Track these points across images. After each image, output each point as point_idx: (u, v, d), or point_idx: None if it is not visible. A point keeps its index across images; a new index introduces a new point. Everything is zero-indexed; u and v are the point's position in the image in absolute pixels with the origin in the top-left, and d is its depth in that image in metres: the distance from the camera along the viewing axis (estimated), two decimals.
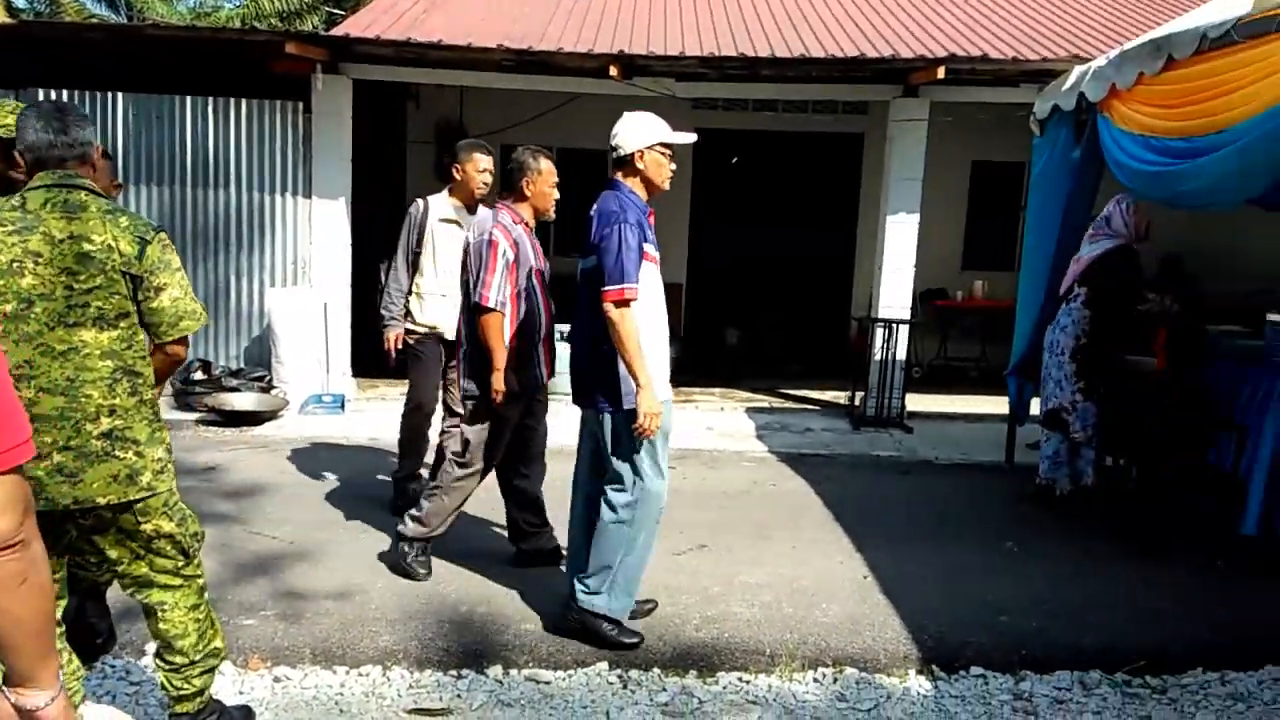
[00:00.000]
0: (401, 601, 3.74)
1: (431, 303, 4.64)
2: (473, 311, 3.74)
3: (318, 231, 7.52)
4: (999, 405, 6.75)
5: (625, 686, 3.18)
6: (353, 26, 7.47)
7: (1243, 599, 4.05)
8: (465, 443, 3.87)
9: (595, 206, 3.42)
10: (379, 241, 7.95)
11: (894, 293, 7.66)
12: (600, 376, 3.34)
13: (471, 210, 4.58)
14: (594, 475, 3.52)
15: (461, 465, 3.87)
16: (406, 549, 3.98)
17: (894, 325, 7.41)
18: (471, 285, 3.74)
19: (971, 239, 10.20)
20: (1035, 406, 5.83)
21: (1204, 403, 5.14)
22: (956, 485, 5.85)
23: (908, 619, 3.74)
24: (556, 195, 3.94)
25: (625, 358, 3.21)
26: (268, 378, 7.32)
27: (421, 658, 3.32)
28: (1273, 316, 5.03)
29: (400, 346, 4.69)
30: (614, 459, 3.37)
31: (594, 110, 9.08)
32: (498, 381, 3.71)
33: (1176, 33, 4.44)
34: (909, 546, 4.60)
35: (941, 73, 6.85)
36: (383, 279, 4.80)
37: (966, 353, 9.81)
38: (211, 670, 2.62)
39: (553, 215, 3.98)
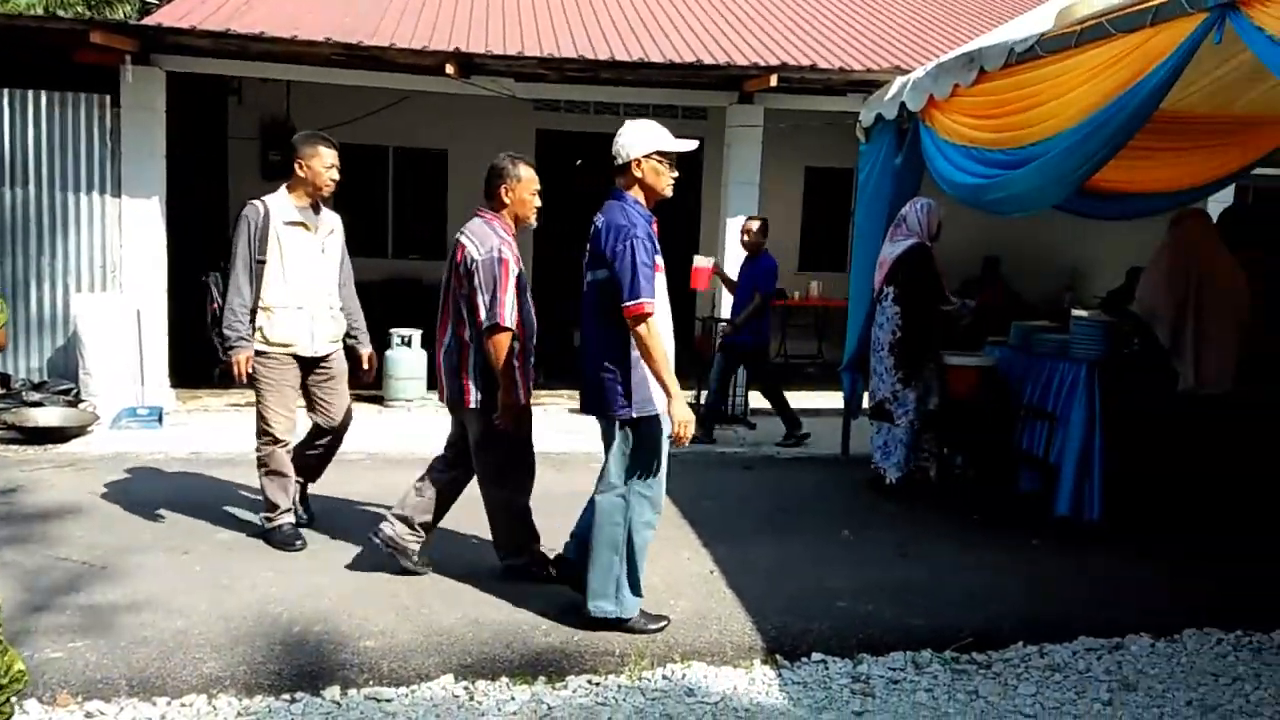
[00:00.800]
0: (228, 625, 3.50)
1: (284, 317, 4.17)
2: (487, 332, 3.66)
3: (129, 233, 7.01)
4: (836, 400, 7.00)
5: (472, 698, 3.09)
6: (167, 16, 6.99)
7: (1057, 575, 4.34)
8: (495, 466, 3.87)
9: (602, 217, 3.44)
10: (199, 244, 7.45)
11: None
12: (607, 385, 3.39)
13: (316, 210, 4.28)
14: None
15: (500, 486, 3.91)
16: (413, 554, 3.97)
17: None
18: (486, 305, 3.65)
19: (807, 242, 10.59)
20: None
21: (1014, 393, 5.50)
22: (797, 478, 6.03)
23: (753, 610, 3.81)
24: (538, 203, 3.89)
25: (653, 369, 3.28)
26: (75, 390, 6.76)
27: (251, 683, 3.11)
28: (1078, 313, 5.44)
29: (251, 370, 4.13)
30: (612, 464, 3.46)
31: (430, 108, 8.90)
32: (510, 399, 3.68)
33: (987, 46, 4.73)
34: (754, 539, 4.70)
35: (774, 81, 7.08)
36: (215, 293, 4.18)
37: (805, 350, 10.17)
38: (8, 702, 2.36)
39: (534, 222, 3.92)
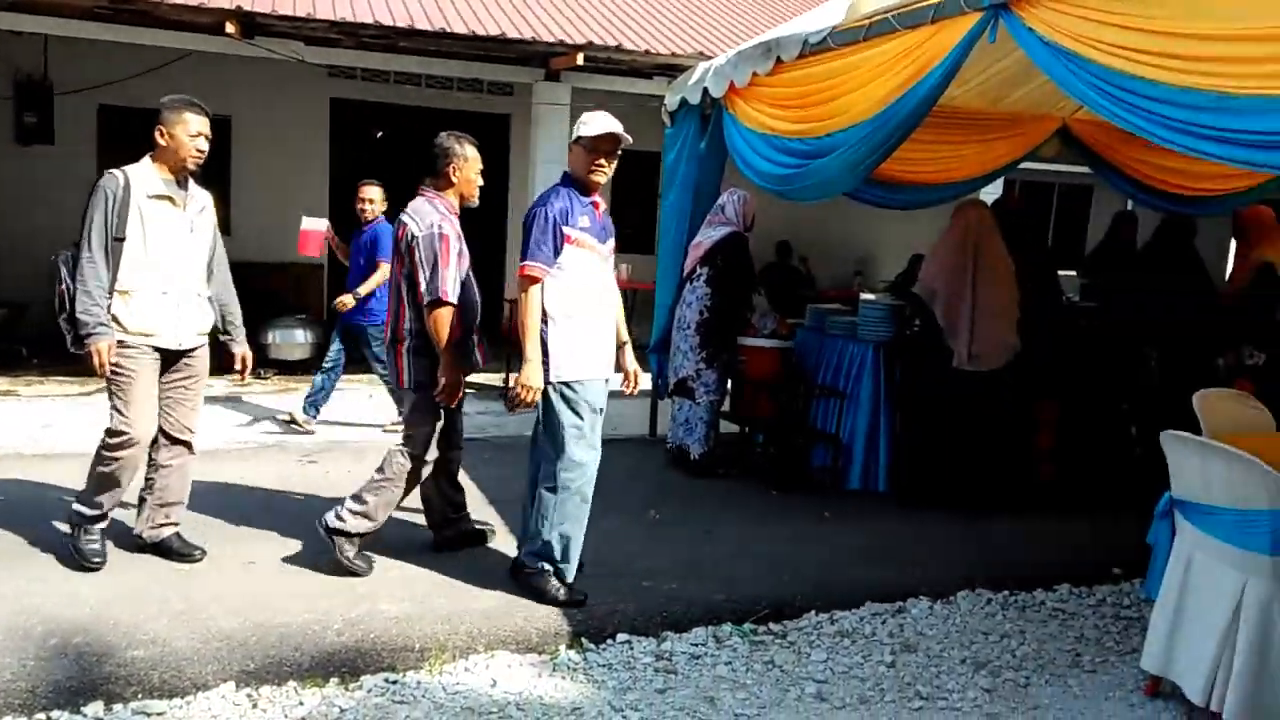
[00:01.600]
0: None
1: (146, 303, 3.63)
2: (429, 306, 3.69)
3: None
4: (643, 381, 7.05)
5: (255, 706, 2.88)
6: None
7: (847, 546, 4.56)
8: (414, 435, 3.86)
9: None
10: None
11: None
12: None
13: (183, 184, 3.73)
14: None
15: (414, 457, 3.85)
16: (347, 546, 3.81)
17: None
18: (426, 280, 3.67)
19: (616, 224, 10.60)
20: None
21: (808, 373, 5.74)
22: (607, 459, 5.92)
23: None
24: (481, 182, 3.94)
25: (520, 331, 3.52)
26: None
27: None
28: (866, 296, 5.73)
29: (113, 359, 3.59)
30: (543, 430, 3.70)
31: (211, 70, 8.24)
32: (448, 374, 3.71)
33: (783, 36, 4.86)
34: None
35: (580, 59, 7.03)
36: (64, 274, 3.61)
37: None
38: None
39: (476, 202, 3.95)
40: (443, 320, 3.68)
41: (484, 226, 10.01)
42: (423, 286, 3.67)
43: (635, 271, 9.88)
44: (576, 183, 3.65)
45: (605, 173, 3.65)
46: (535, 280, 3.51)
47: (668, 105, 6.24)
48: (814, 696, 3.13)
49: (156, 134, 3.66)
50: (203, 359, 3.89)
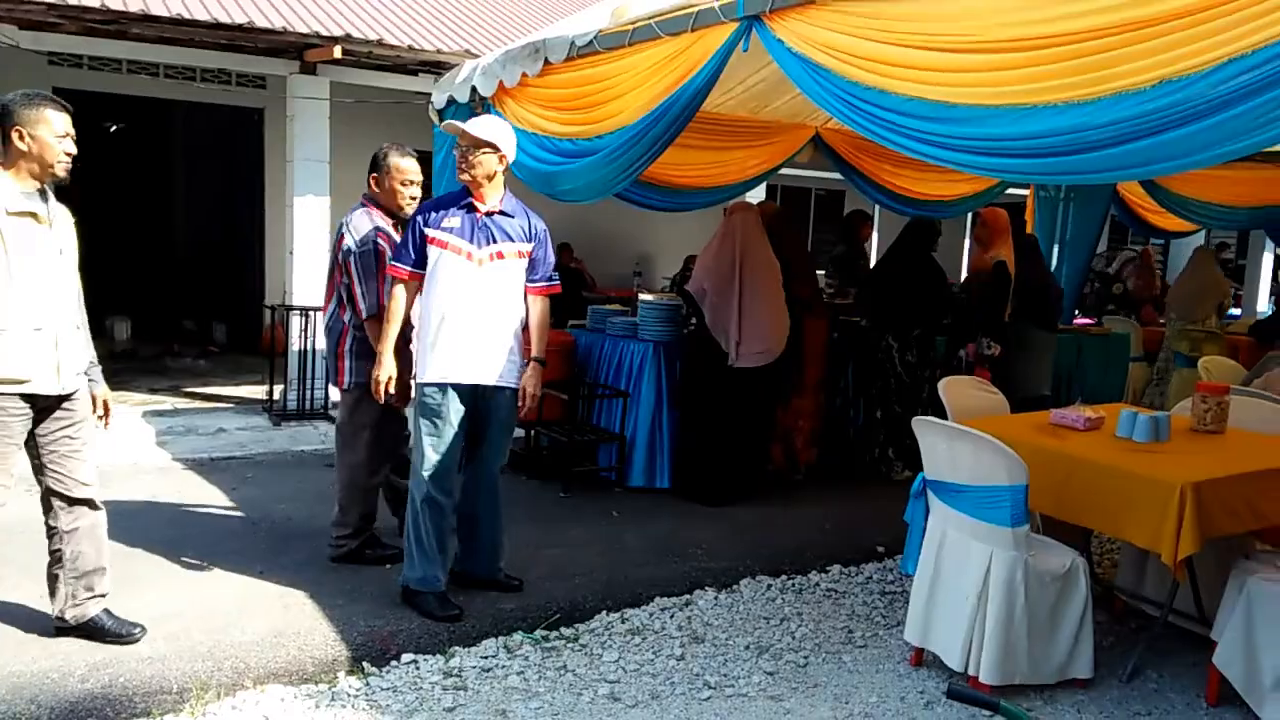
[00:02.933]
0: None
1: (16, 343, 2.97)
2: (369, 321, 3.88)
3: None
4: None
5: None
6: None
7: (635, 544, 4.62)
8: (354, 442, 4.04)
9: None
10: None
11: (308, 279, 7.32)
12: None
13: (44, 196, 3.08)
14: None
15: (354, 461, 4.05)
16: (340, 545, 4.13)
17: (310, 313, 7.08)
18: (363, 296, 3.88)
19: None
20: None
21: (592, 372, 5.77)
22: None
23: (337, 621, 3.56)
24: (410, 194, 4.00)
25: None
26: None
27: None
28: (644, 296, 5.83)
29: None
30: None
31: None
32: (381, 374, 3.70)
33: (551, 38, 4.83)
34: None
35: (338, 52, 6.68)
36: None
37: None
38: None
39: (407, 213, 3.92)
40: (373, 329, 3.83)
41: (237, 228, 9.36)
42: (360, 303, 3.88)
43: None
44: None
45: (464, 172, 3.64)
46: (398, 280, 3.66)
47: (435, 103, 6.05)
48: (607, 697, 3.13)
49: (13, 136, 2.98)
50: (85, 401, 3.24)
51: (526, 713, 3.00)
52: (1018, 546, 3.07)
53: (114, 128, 8.74)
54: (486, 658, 3.36)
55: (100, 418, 3.35)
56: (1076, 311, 8.28)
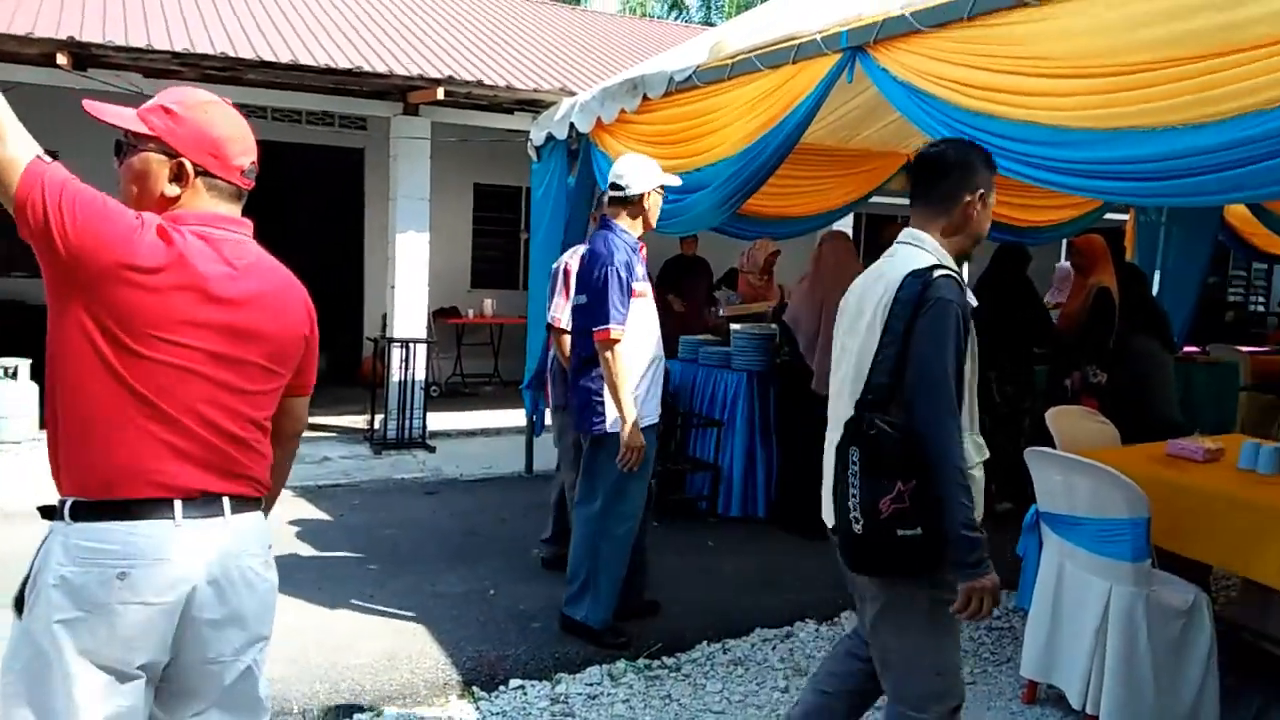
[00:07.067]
0: None
1: None
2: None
3: None
4: (516, 418, 6.98)
5: None
6: None
7: (733, 574, 4.61)
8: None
9: (587, 246, 3.78)
10: None
11: (408, 312, 7.56)
12: (583, 402, 3.69)
13: None
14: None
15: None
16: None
17: (410, 345, 7.31)
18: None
19: (478, 258, 10.52)
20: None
21: (685, 403, 5.81)
22: (482, 500, 5.92)
23: (446, 644, 3.65)
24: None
25: (612, 393, 3.55)
26: None
27: None
28: (736, 327, 5.85)
29: None
30: (585, 476, 3.74)
31: (39, 103, 7.66)
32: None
33: (649, 74, 4.93)
34: (442, 567, 4.53)
35: (440, 94, 6.92)
36: None
37: (480, 369, 10.07)
38: None
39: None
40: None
41: (340, 263, 9.72)
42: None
43: (498, 306, 9.79)
44: (642, 226, 3.77)
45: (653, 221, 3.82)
46: (617, 342, 3.55)
47: (534, 140, 6.22)
48: None
49: None
50: None
51: None
52: (1138, 582, 2.97)
53: None
54: (591, 684, 3.40)
55: None
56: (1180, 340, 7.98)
